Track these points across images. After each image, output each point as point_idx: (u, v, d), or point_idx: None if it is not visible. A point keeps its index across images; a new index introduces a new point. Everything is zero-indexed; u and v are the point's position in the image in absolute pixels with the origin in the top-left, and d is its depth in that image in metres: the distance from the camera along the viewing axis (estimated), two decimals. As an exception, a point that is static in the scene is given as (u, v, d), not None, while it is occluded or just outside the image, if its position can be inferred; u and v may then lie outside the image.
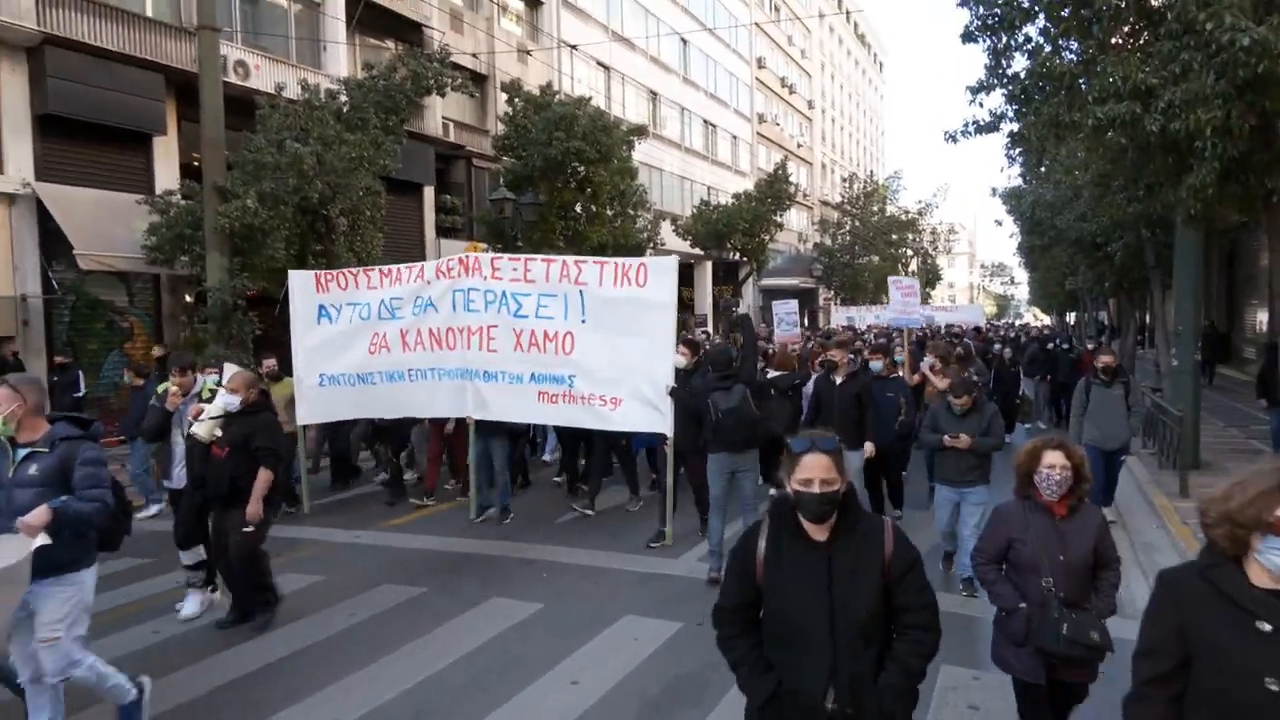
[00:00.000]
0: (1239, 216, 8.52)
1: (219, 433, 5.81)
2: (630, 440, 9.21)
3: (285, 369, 9.76)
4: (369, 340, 8.93)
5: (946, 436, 6.27)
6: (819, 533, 2.64)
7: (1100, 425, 7.95)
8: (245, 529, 5.71)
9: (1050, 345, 17.05)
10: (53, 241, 13.24)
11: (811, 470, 2.56)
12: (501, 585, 6.80)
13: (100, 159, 14.45)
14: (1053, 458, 3.52)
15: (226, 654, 5.47)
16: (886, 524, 2.70)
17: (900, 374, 9.68)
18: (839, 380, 7.58)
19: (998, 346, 14.98)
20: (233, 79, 15.11)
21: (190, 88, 13.42)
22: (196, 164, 13.62)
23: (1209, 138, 6.32)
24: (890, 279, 12.44)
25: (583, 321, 7.87)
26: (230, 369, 6.44)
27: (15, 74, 13.19)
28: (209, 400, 6.13)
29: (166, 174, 15.11)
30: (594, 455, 9.51)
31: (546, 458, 12.24)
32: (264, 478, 5.76)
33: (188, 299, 14.88)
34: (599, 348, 7.80)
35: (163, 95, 14.90)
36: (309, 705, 4.74)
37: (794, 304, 17.06)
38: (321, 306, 9.23)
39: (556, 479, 10.73)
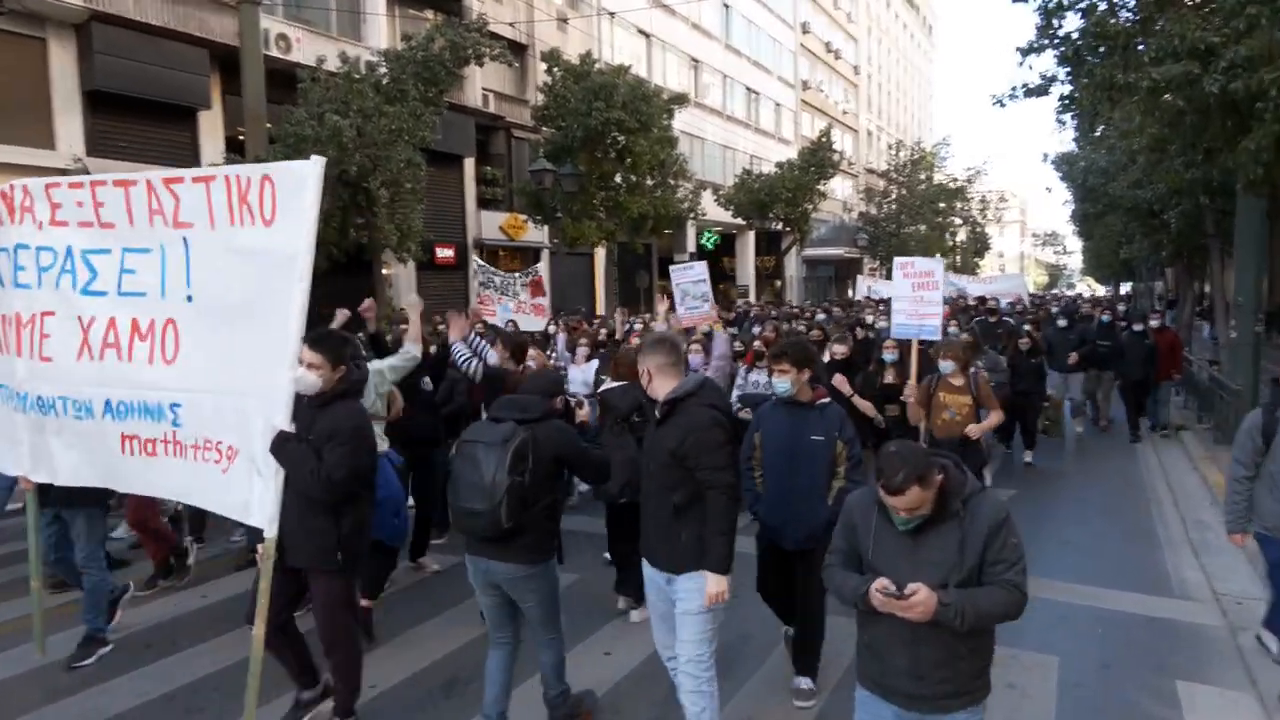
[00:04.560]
0: (1305, 182, 8.10)
1: None
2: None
3: None
4: None
5: (876, 587, 2.60)
6: None
7: None
8: None
9: (1063, 323, 12.13)
10: (104, 216, 13.53)
11: None
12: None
13: (148, 133, 14.75)
14: None
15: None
16: None
17: (828, 399, 4.54)
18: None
19: (1024, 340, 10.04)
20: (274, 52, 15.25)
21: (233, 61, 13.57)
22: (241, 138, 13.79)
23: (1272, 97, 6.02)
24: (896, 261, 7.65)
25: (189, 299, 4.07)
26: None
27: (64, 50, 13.50)
28: None
29: (212, 148, 15.37)
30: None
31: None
32: None
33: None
34: (213, 346, 4.00)
35: (207, 70, 15.12)
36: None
37: (700, 268, 9.54)
38: None
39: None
